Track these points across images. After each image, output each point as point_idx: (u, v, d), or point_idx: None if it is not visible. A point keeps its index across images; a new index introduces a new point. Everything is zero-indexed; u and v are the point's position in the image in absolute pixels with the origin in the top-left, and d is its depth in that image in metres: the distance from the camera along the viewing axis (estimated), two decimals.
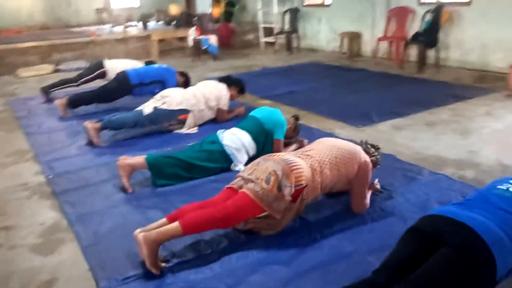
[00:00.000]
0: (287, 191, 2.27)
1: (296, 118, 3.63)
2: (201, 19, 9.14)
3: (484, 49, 6.41)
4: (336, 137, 3.88)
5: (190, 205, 2.36)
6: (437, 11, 6.59)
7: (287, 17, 9.57)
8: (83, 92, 5.30)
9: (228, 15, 11.44)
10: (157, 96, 4.39)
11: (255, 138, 3.35)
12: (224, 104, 4.50)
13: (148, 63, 6.19)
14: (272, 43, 10.31)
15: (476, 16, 6.40)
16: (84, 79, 5.87)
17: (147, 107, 4.19)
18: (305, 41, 9.75)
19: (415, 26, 7.08)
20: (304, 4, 9.74)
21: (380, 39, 7.49)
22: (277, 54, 9.31)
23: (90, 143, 4.05)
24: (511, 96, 4.97)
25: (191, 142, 3.95)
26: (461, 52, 6.72)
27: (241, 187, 2.37)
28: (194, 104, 4.33)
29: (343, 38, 8.50)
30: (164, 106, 4.20)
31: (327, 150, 2.47)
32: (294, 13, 9.46)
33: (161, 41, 9.67)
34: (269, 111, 3.53)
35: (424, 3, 7.11)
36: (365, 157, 2.53)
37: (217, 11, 12.46)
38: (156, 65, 5.53)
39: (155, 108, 4.17)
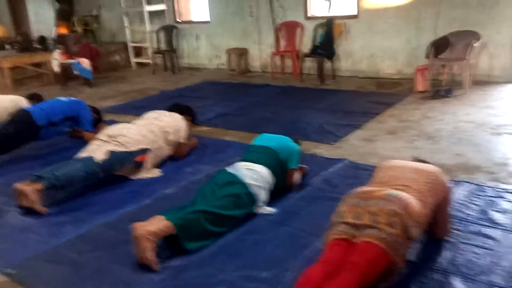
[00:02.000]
0: (415, 232, 1.96)
1: (298, 142, 3.27)
2: (65, 41, 7.86)
3: (373, 58, 6.99)
4: (318, 157, 3.73)
5: (313, 270, 1.86)
6: (329, 24, 6.95)
7: (162, 35, 8.94)
8: None
9: (87, 35, 10.17)
10: (102, 136, 3.50)
11: (273, 171, 2.90)
12: (184, 137, 3.85)
13: (33, 97, 5.03)
14: (144, 64, 9.55)
15: (363, 28, 6.93)
16: None
17: (97, 152, 3.30)
18: (182, 60, 9.25)
19: (305, 40, 7.33)
20: (178, 20, 9.24)
21: (274, 54, 7.55)
22: (158, 75, 8.59)
23: (29, 211, 2.99)
24: (424, 98, 5.49)
25: (167, 189, 3.28)
26: (352, 62, 7.20)
27: (354, 236, 1.97)
28: (154, 141, 3.60)
29: (230, 54, 8.32)
30: (121, 148, 3.37)
31: (418, 177, 2.23)
32: (170, 30, 8.89)
33: (12, 69, 7.98)
34: (280, 139, 3.12)
35: (311, 17, 7.42)
36: (444, 176, 2.37)
37: (64, 31, 11.02)
38: (63, 99, 4.48)
39: (112, 152, 3.31)
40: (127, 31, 9.40)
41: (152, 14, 9.20)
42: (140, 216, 2.82)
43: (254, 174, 2.78)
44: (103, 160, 3.26)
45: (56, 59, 7.58)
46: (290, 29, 7.55)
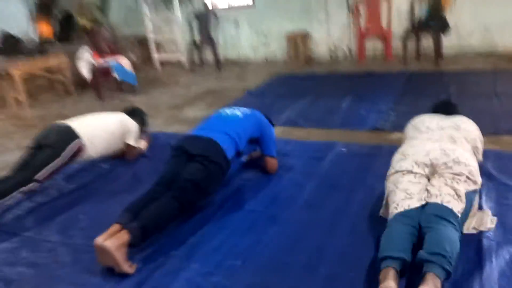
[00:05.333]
0: None
1: None
2: (94, 37, 5.99)
3: (488, 32, 5.93)
4: None
5: None
6: None
7: (194, 24, 7.24)
8: (154, 204, 2.21)
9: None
10: (409, 165, 2.04)
11: None
12: None
13: (134, 113, 3.46)
14: (164, 62, 7.86)
15: None
16: (50, 167, 2.75)
17: (416, 200, 1.86)
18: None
19: (393, 16, 6.14)
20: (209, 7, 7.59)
21: (363, 35, 6.26)
22: (199, 73, 6.94)
23: None
24: None
25: None
26: (458, 37, 6.09)
27: None
28: None
29: (290, 40, 6.90)
30: (470, 185, 1.94)
31: None
32: (204, 18, 7.20)
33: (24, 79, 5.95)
34: None
35: None
36: None
37: (47, 30, 8.94)
38: (232, 112, 2.89)
39: (466, 194, 1.89)
40: (148, 22, 7.59)
41: None
42: None
43: None
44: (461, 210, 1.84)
45: (86, 61, 5.73)
46: (372, 3, 6.29)
